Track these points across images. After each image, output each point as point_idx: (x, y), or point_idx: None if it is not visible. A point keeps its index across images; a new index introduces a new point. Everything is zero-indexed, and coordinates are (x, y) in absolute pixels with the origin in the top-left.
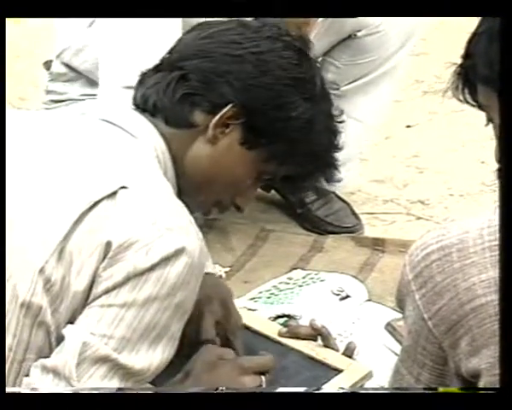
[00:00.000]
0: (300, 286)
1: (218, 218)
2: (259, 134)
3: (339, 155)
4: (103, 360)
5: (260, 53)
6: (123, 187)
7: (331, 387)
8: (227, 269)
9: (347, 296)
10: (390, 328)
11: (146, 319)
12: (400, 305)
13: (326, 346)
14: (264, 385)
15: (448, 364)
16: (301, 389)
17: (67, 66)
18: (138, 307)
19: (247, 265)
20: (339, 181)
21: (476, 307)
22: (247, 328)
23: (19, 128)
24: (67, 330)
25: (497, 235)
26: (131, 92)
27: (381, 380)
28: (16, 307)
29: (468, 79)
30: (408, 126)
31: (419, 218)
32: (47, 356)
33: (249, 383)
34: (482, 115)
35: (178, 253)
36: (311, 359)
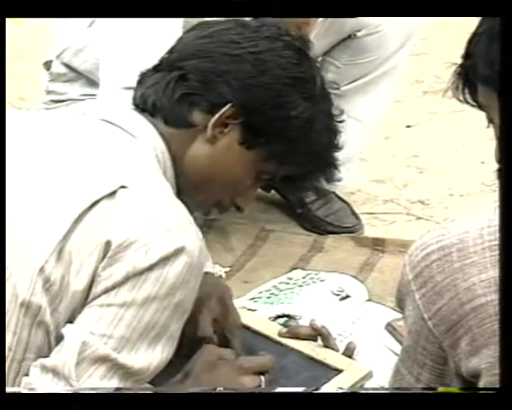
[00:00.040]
0: (300, 286)
1: (218, 218)
2: (258, 134)
3: (339, 155)
4: (103, 359)
5: (259, 52)
6: (122, 187)
7: (331, 387)
8: (227, 269)
9: (347, 296)
10: (390, 328)
11: (145, 318)
12: (400, 305)
13: (326, 346)
14: (263, 385)
15: (448, 364)
16: (301, 389)
17: (67, 66)
18: (138, 306)
19: (247, 265)
20: (339, 181)
21: (476, 306)
22: (247, 328)
23: (19, 128)
24: (67, 330)
25: (497, 235)
26: (131, 92)
27: (381, 380)
28: (16, 306)
29: (469, 79)
30: (408, 126)
31: (419, 218)
32: (46, 356)
33: (249, 383)
34: (482, 115)
35: (178, 252)
36: (311, 359)
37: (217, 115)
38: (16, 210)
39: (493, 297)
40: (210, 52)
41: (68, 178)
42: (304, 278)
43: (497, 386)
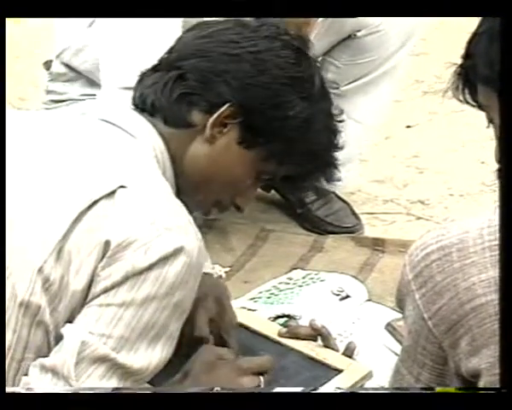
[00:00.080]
0: (300, 286)
1: (218, 218)
2: (257, 133)
3: (339, 155)
4: (102, 359)
5: (258, 52)
6: (122, 186)
7: (331, 387)
8: (227, 269)
9: (347, 296)
10: (390, 328)
11: (144, 318)
12: (400, 305)
13: (326, 346)
14: (262, 386)
15: (448, 364)
16: (300, 390)
17: (67, 66)
18: (137, 306)
19: (247, 265)
20: (339, 180)
21: (476, 306)
22: (247, 328)
23: (19, 128)
24: (66, 330)
25: (497, 235)
26: (131, 93)
27: (381, 380)
28: (15, 306)
29: (469, 79)
30: (408, 126)
31: (419, 218)
32: (46, 355)
33: (248, 383)
34: (482, 115)
35: (177, 252)
36: (311, 359)
37: (215, 115)
38: (16, 210)
39: (493, 297)
40: (209, 52)
41: (68, 178)
42: (304, 278)
43: (497, 386)
